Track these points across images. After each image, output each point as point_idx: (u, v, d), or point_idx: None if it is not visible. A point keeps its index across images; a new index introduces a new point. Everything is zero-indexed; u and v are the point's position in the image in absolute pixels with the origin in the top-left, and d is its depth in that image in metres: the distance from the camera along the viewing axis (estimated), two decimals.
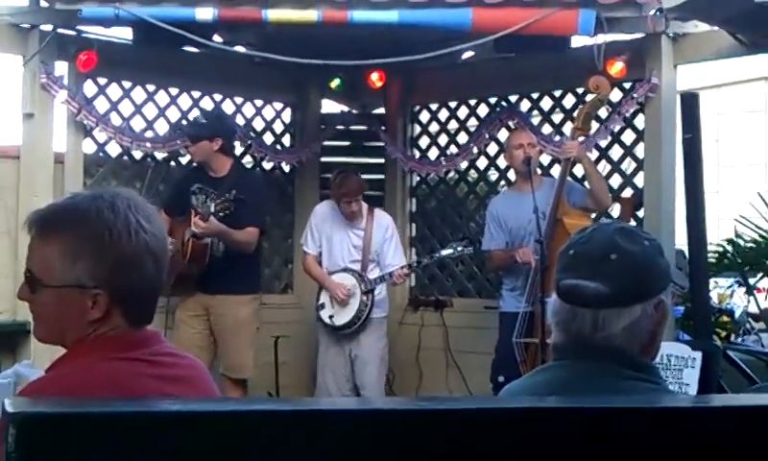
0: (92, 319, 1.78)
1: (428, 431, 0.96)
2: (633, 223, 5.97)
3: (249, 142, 7.02)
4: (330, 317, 6.18)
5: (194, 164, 6.18)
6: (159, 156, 6.70)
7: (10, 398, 0.93)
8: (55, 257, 1.78)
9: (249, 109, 7.14)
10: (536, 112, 6.82)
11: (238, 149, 7.09)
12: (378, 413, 1.00)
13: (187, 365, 1.93)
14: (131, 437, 0.88)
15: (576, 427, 1.01)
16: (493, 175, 7.28)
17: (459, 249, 6.05)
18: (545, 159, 6.56)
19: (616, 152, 6.49)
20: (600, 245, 1.81)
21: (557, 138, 6.38)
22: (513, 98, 6.85)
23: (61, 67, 5.96)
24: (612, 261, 1.78)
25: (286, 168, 7.44)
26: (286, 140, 7.42)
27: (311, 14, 5.45)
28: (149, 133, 6.57)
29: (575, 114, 5.92)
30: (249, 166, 7.24)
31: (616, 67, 5.72)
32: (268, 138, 7.29)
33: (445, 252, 6.19)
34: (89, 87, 6.23)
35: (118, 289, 1.78)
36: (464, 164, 7.16)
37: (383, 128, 7.31)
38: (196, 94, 6.89)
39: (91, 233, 1.76)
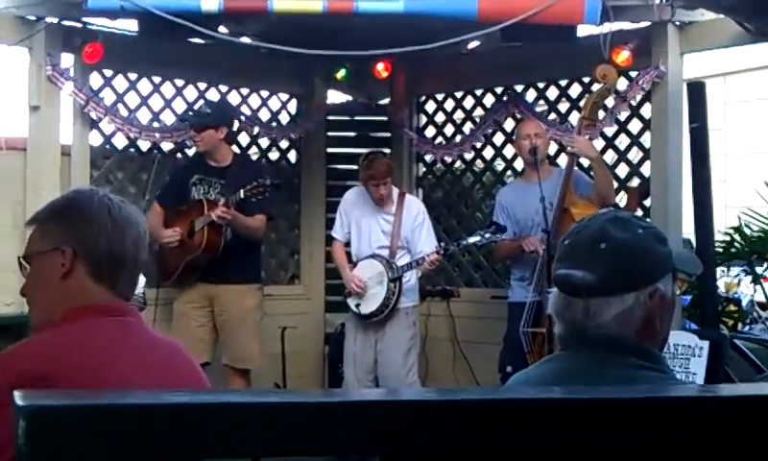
0: (63, 273, 2.00)
1: (435, 422, 0.96)
2: (639, 212, 5.97)
3: (257, 130, 7.01)
4: (357, 305, 6.03)
5: (194, 155, 6.18)
6: (166, 147, 6.71)
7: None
8: (36, 237, 2.08)
9: (255, 100, 7.15)
10: (542, 102, 6.81)
11: (245, 140, 7.11)
12: (376, 404, 1.01)
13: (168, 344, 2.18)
14: (142, 428, 0.88)
15: (581, 418, 1.01)
16: (500, 165, 7.28)
17: (486, 236, 5.78)
18: (553, 149, 6.55)
19: (623, 141, 6.48)
20: (591, 234, 1.81)
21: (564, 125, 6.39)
22: (519, 87, 6.84)
23: (67, 59, 5.96)
24: (601, 250, 1.77)
25: (292, 159, 7.47)
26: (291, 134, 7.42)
27: (316, 4, 5.44)
28: (155, 125, 6.58)
29: (582, 104, 5.91)
30: (255, 157, 7.25)
31: (623, 56, 5.70)
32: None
33: (473, 239, 5.90)
34: (95, 79, 6.24)
35: (81, 245, 2.01)
36: (470, 154, 7.17)
37: (392, 114, 7.33)
38: (202, 85, 6.89)
39: (59, 207, 2.09)
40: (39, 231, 2.07)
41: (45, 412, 0.88)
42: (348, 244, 6.27)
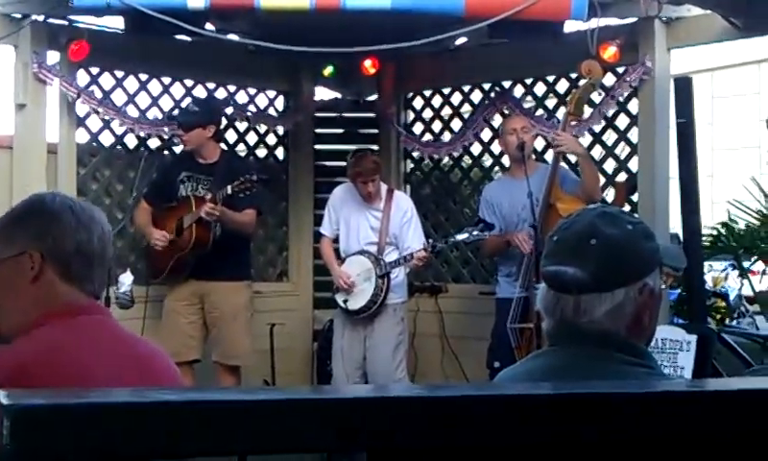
0: (32, 277, 1.97)
1: (424, 419, 0.96)
2: (627, 207, 5.98)
3: (247, 114, 7.01)
4: (345, 301, 6.04)
5: (182, 152, 6.16)
6: (153, 145, 6.69)
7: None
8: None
9: (242, 98, 7.13)
10: (529, 98, 6.81)
11: (232, 137, 7.10)
12: (365, 401, 1.01)
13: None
14: (128, 426, 0.88)
15: (569, 414, 1.01)
16: (488, 161, 7.29)
17: (474, 233, 5.76)
18: (539, 144, 6.56)
19: (610, 137, 6.48)
20: (580, 230, 1.80)
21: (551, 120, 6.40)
22: (506, 83, 6.84)
23: (53, 57, 5.93)
24: (591, 246, 1.77)
25: (280, 156, 7.46)
26: (279, 129, 7.41)
27: (304, 2, 5.43)
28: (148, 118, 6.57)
29: (568, 99, 5.92)
30: (242, 154, 7.24)
31: (610, 52, 5.71)
32: (262, 126, 7.29)
33: (460, 236, 5.90)
34: (82, 77, 6.21)
35: (48, 246, 1.98)
36: (458, 150, 7.17)
37: (381, 110, 7.33)
38: (189, 83, 6.87)
39: (21, 212, 2.06)
40: (2, 239, 2.03)
41: (31, 411, 0.87)
42: (336, 240, 6.27)
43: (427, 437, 0.96)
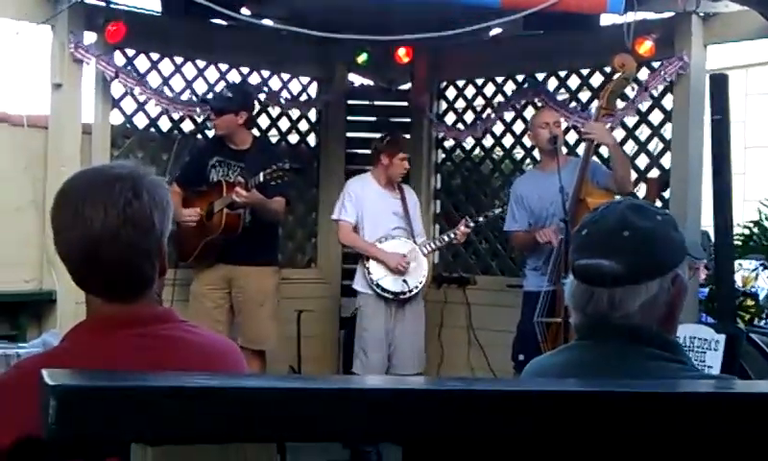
0: None
1: (455, 412, 0.97)
2: (658, 204, 5.94)
3: (279, 107, 7.02)
4: (404, 281, 6.08)
5: (214, 137, 6.18)
6: (186, 128, 6.73)
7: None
8: None
9: (275, 83, 7.14)
10: (563, 91, 6.78)
11: (264, 122, 7.13)
12: (405, 393, 1.02)
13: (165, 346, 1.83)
14: (170, 409, 0.89)
15: (604, 411, 1.01)
16: (519, 153, 7.27)
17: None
18: (572, 138, 6.53)
19: (644, 132, 6.45)
20: (612, 223, 1.80)
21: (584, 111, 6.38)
22: (540, 76, 6.81)
23: (90, 38, 5.97)
24: (624, 238, 1.77)
25: (312, 143, 7.47)
26: (312, 114, 7.42)
27: None
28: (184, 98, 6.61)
29: (601, 93, 5.89)
30: (274, 140, 7.26)
31: (645, 46, 5.66)
32: (294, 112, 7.30)
33: (498, 210, 6.27)
34: (118, 58, 6.23)
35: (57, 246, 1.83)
36: (489, 141, 7.16)
37: (413, 99, 7.35)
38: (223, 67, 6.89)
39: None
40: None
41: (76, 392, 0.89)
42: (354, 229, 6.29)
43: (463, 429, 0.97)
